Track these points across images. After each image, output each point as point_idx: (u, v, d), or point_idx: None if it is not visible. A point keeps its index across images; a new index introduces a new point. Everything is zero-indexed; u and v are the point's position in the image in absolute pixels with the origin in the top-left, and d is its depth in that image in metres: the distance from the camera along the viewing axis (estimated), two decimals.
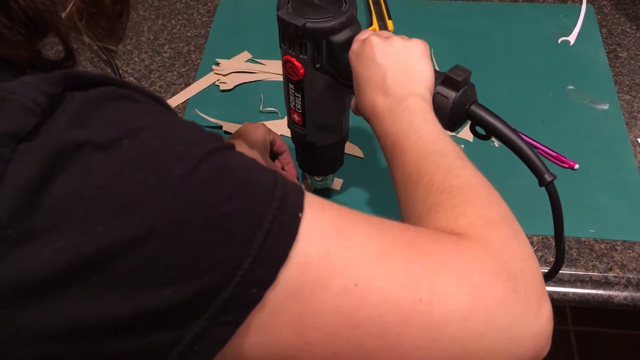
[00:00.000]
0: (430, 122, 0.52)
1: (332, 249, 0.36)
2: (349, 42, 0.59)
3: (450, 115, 0.56)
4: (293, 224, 0.35)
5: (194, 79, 0.97)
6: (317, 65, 0.62)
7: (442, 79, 0.56)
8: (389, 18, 1.04)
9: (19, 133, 0.31)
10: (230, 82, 0.96)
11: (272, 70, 0.98)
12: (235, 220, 0.33)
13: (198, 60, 1.00)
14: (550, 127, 0.89)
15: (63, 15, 0.34)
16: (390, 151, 0.53)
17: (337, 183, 0.82)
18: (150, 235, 0.31)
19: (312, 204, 0.37)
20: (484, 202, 0.45)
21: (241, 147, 0.76)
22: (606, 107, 0.91)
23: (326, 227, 0.37)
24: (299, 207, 0.36)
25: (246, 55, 1.01)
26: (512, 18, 1.06)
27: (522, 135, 0.55)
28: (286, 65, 0.64)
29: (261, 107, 0.93)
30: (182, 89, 0.95)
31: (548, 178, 0.53)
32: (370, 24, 1.04)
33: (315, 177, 0.79)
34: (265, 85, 0.96)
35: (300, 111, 0.67)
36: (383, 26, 1.03)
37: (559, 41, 1.01)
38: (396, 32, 1.02)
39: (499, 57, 1.00)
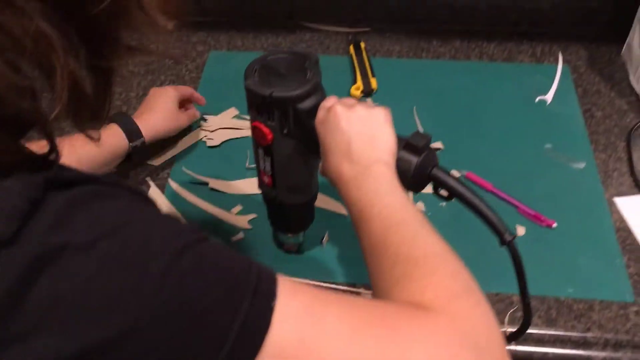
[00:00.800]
0: (395, 189, 0.55)
1: (307, 333, 0.38)
2: (315, 109, 0.62)
3: (412, 179, 0.58)
4: (267, 313, 0.37)
5: (182, 136, 0.99)
6: (285, 131, 0.64)
7: (404, 144, 0.59)
8: (373, 76, 1.07)
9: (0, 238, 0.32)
10: (217, 139, 0.98)
11: None
12: (213, 313, 0.35)
13: None
14: (529, 185, 0.91)
15: (50, 117, 0.35)
16: (357, 218, 0.55)
17: (325, 238, 0.84)
18: (131, 334, 0.32)
19: (285, 288, 0.39)
20: (448, 273, 0.48)
21: (154, 113, 0.89)
22: (583, 165, 0.94)
23: (300, 311, 0.38)
24: (272, 295, 0.38)
25: (233, 111, 1.03)
26: (492, 77, 1.10)
27: (480, 198, 0.57)
28: (255, 130, 0.66)
29: (247, 163, 0.94)
30: (169, 145, 0.97)
31: (508, 237, 0.55)
32: (355, 81, 1.07)
33: (288, 234, 0.81)
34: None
35: (270, 173, 0.70)
36: (367, 84, 1.06)
37: (537, 100, 1.05)
38: (380, 89, 1.06)
39: (479, 115, 1.03)
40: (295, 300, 0.39)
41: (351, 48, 1.13)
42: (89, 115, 0.40)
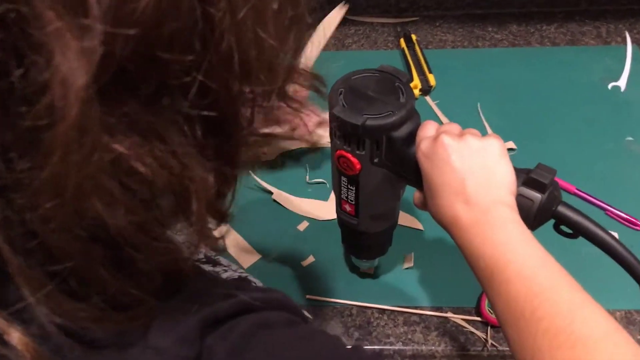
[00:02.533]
0: (529, 240, 0.47)
1: None
2: (410, 136, 0.55)
3: (535, 218, 0.51)
4: None
5: None
6: (376, 160, 0.57)
7: (524, 179, 0.52)
8: (430, 71, 1.00)
9: None
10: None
11: (314, 136, 0.93)
12: None
13: None
14: (614, 185, 0.84)
15: (190, 253, 0.31)
16: (488, 276, 0.47)
17: (409, 259, 0.78)
18: None
19: None
20: None
21: None
22: None
23: None
24: None
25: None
26: (557, 63, 1.02)
27: (613, 234, 0.51)
28: (340, 160, 0.59)
29: (307, 177, 0.88)
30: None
31: None
32: (411, 79, 1.00)
33: (363, 262, 0.75)
34: (308, 153, 0.92)
35: (354, 203, 0.63)
36: (424, 80, 0.99)
37: (609, 87, 0.97)
38: (438, 85, 0.99)
39: (548, 108, 0.95)
40: None
41: (402, 41, 1.05)
42: (216, 222, 0.34)
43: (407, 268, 0.78)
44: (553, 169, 0.52)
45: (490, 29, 1.09)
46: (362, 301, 0.75)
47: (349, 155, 0.58)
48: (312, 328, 0.38)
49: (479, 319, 0.73)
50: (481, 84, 1.00)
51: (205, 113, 0.28)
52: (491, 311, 0.73)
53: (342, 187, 0.63)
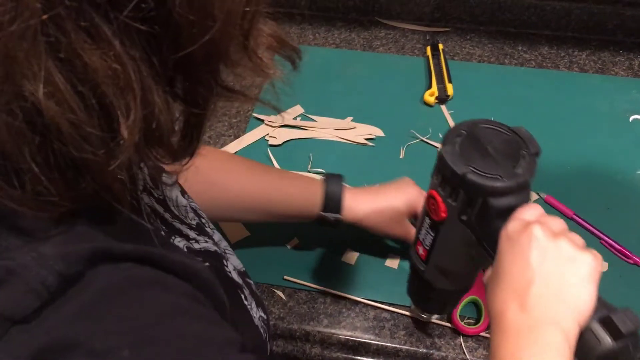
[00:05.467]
0: None
1: None
2: (509, 211, 0.49)
3: None
4: None
5: (245, 131, 0.96)
6: (464, 217, 0.52)
7: (603, 316, 0.44)
8: (449, 81, 1.00)
9: (14, 315, 0.29)
10: (279, 138, 0.94)
11: (323, 127, 0.95)
12: None
13: (250, 112, 0.99)
14: (616, 216, 0.83)
15: (114, 162, 0.31)
16: None
17: (393, 263, 0.79)
18: None
19: None
20: None
21: (380, 204, 0.72)
22: None
23: None
24: None
25: (299, 109, 0.99)
26: (582, 89, 1.00)
27: None
28: (429, 200, 0.55)
29: (309, 166, 0.90)
30: (231, 141, 0.94)
31: None
32: (429, 86, 1.00)
33: (422, 313, 0.72)
34: (315, 144, 0.94)
35: (427, 249, 0.58)
36: (442, 89, 0.99)
37: (631, 119, 0.95)
38: (456, 95, 0.99)
39: (564, 131, 0.94)
40: None
41: (428, 49, 1.06)
42: (167, 156, 0.36)
43: (388, 266, 0.79)
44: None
45: (520, 47, 1.08)
46: (338, 290, 0.76)
47: (439, 200, 0.53)
48: (203, 313, 0.37)
49: (448, 324, 0.73)
50: (500, 100, 0.99)
51: (145, 28, 0.29)
52: (462, 318, 0.73)
53: (422, 228, 0.58)
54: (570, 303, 0.43)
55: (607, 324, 0.44)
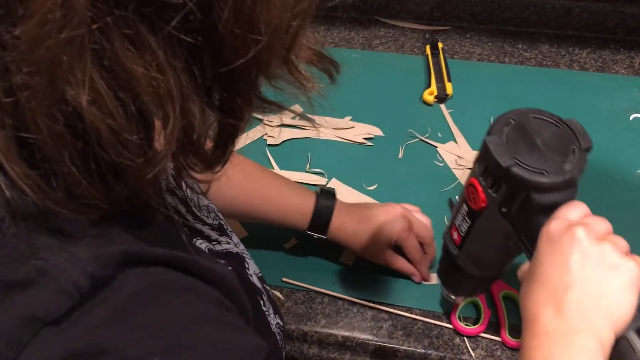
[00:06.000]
0: None
1: None
2: (552, 207, 0.48)
3: None
4: None
5: (243, 130, 0.95)
6: (504, 210, 0.51)
7: None
8: (449, 80, 1.00)
9: (46, 317, 0.29)
10: (278, 137, 0.94)
11: (323, 127, 0.95)
12: None
13: None
14: (616, 215, 0.81)
15: (152, 171, 0.32)
16: None
17: None
18: None
19: None
20: None
21: (362, 232, 0.73)
22: None
23: None
24: None
25: (298, 109, 0.98)
26: (582, 88, 1.00)
27: None
28: (469, 188, 0.54)
29: (307, 166, 0.90)
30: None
31: None
32: (428, 85, 1.00)
33: (451, 294, 0.70)
34: (314, 143, 0.93)
35: (462, 235, 0.58)
36: (442, 88, 0.99)
37: (631, 118, 0.95)
38: (455, 94, 0.98)
39: None
40: None
41: (427, 48, 1.06)
42: (201, 165, 0.36)
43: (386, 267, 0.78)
44: None
45: (520, 46, 1.08)
46: (336, 291, 0.76)
47: (480, 190, 0.52)
48: (231, 320, 0.37)
49: (448, 325, 0.72)
50: (499, 98, 0.99)
51: (189, 39, 0.30)
52: (461, 318, 0.72)
53: (459, 214, 0.57)
54: (608, 311, 0.43)
55: None
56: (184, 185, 0.50)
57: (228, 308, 0.37)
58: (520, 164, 0.48)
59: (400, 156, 0.91)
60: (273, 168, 0.90)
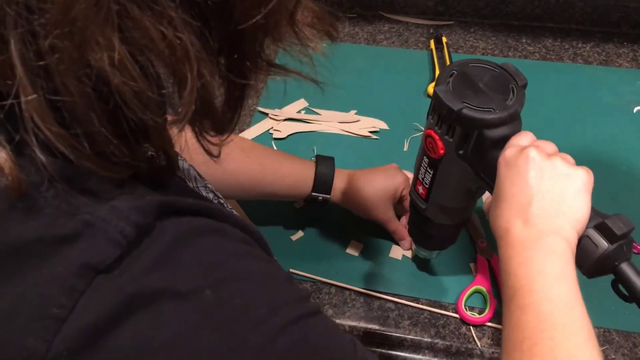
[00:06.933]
0: (566, 277, 0.45)
1: None
2: (503, 140, 0.53)
3: (592, 266, 0.49)
4: None
5: (249, 125, 0.96)
6: (461, 152, 0.56)
7: (598, 223, 0.49)
8: None
9: (99, 265, 0.30)
10: (284, 131, 0.94)
11: (327, 121, 0.96)
12: None
13: (254, 106, 0.99)
14: (621, 206, 0.82)
15: (174, 131, 0.34)
16: (509, 296, 0.47)
17: (396, 253, 0.79)
18: None
19: None
20: None
21: (367, 186, 0.76)
22: None
23: None
24: None
25: (302, 103, 0.99)
26: (585, 81, 1.00)
27: None
28: (427, 139, 0.58)
29: (313, 159, 0.90)
30: (235, 135, 0.94)
31: None
32: (432, 79, 1.00)
33: (421, 250, 0.75)
34: (319, 137, 0.94)
35: (427, 187, 0.62)
36: None
37: (635, 110, 0.95)
38: None
39: (568, 123, 0.94)
40: None
41: (432, 42, 1.06)
42: (213, 128, 0.38)
43: (392, 257, 0.79)
44: (632, 223, 0.49)
45: (524, 40, 1.08)
46: (343, 282, 0.77)
47: (437, 138, 0.56)
48: (261, 254, 0.39)
49: (454, 315, 0.73)
50: None
51: (203, 1, 0.31)
52: (467, 308, 0.73)
53: (421, 168, 0.62)
54: (569, 214, 0.47)
55: (603, 229, 0.48)
56: (181, 167, 0.51)
57: (254, 246, 0.40)
58: (470, 105, 0.53)
59: (405, 149, 0.92)
60: None
